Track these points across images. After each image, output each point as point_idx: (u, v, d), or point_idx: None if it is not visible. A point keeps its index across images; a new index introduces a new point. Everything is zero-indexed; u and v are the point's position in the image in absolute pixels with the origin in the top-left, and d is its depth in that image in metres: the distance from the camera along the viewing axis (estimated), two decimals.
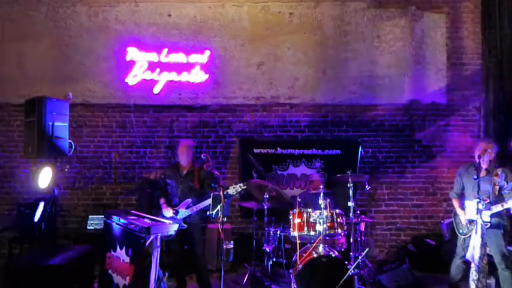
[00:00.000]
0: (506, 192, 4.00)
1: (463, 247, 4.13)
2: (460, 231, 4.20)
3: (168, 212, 4.38)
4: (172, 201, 4.52)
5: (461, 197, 4.34)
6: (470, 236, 4.01)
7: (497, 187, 3.98)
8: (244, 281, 4.90)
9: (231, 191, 4.26)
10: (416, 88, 6.19)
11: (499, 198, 3.98)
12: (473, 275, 3.83)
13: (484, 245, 3.81)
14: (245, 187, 4.34)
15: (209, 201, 4.11)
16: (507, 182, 4.01)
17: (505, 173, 4.05)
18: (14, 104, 6.06)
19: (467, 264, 4.06)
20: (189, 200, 4.40)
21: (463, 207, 4.23)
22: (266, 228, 4.93)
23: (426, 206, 6.12)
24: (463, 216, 4.17)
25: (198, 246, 4.43)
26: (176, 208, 4.40)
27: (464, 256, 4.10)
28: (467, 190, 4.26)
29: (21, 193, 6.11)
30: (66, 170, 5.42)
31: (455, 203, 4.34)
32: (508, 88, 5.91)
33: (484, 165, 4.06)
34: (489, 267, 3.95)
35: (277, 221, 5.11)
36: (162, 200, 4.56)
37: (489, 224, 3.86)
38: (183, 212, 4.38)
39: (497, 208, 3.86)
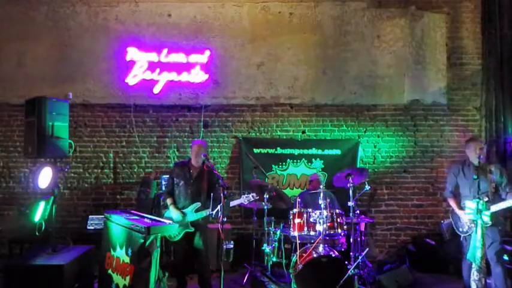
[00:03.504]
0: (506, 190, 3.99)
1: (468, 248, 4.10)
2: (460, 229, 4.18)
3: (177, 214, 4.23)
4: (181, 202, 4.37)
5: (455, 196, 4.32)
6: (470, 235, 4.00)
7: (493, 185, 3.98)
8: (244, 281, 4.89)
9: (243, 200, 4.46)
10: (416, 88, 6.19)
11: (496, 195, 3.98)
12: (474, 275, 3.82)
13: (484, 245, 3.80)
14: (258, 197, 4.51)
15: (218, 208, 4.00)
16: (502, 177, 4.02)
17: (498, 169, 4.08)
18: (14, 104, 6.06)
19: None
20: (199, 204, 4.28)
21: (461, 207, 4.21)
22: (266, 228, 4.93)
23: (426, 206, 6.12)
24: (463, 216, 4.15)
25: (203, 248, 4.34)
26: (184, 211, 4.28)
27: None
28: (463, 189, 4.25)
29: (21, 193, 6.11)
30: (66, 170, 5.41)
31: (453, 202, 4.30)
32: (508, 88, 5.92)
33: (475, 163, 4.06)
34: (488, 267, 3.95)
35: (277, 221, 5.10)
36: (170, 200, 4.39)
37: (490, 223, 3.85)
38: (191, 215, 4.26)
39: (499, 207, 3.84)
